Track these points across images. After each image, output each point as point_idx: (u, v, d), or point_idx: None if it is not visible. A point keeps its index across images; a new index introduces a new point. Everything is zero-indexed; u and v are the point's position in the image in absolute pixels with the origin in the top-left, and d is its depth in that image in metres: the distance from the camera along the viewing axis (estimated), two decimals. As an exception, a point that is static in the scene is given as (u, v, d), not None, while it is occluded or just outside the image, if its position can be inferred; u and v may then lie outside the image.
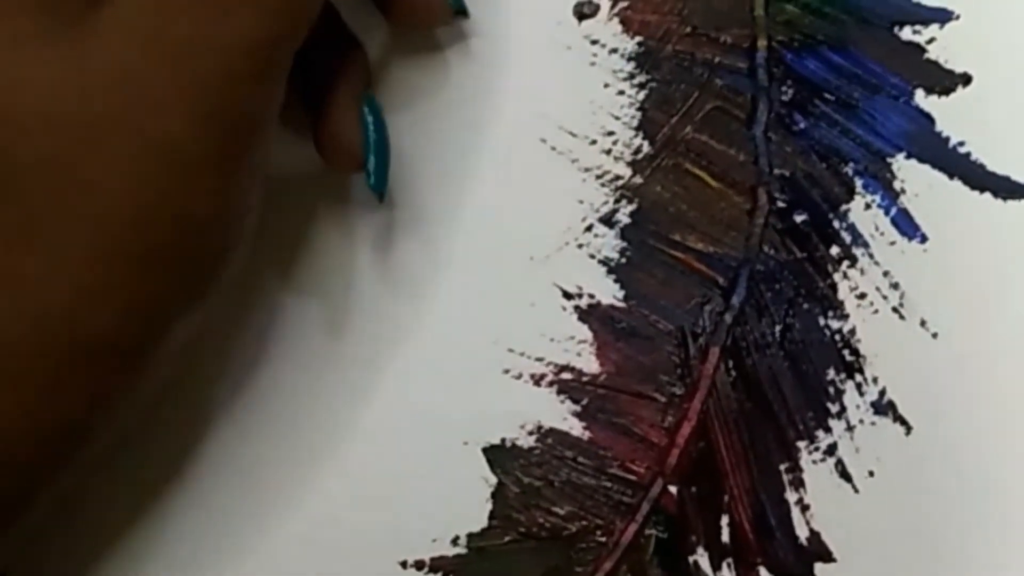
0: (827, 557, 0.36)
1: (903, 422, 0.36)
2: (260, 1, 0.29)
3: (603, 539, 0.37)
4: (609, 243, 0.37)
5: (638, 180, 0.37)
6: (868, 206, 0.37)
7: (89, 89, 0.29)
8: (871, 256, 0.37)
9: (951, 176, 0.37)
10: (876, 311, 0.37)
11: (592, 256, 0.37)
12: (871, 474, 0.36)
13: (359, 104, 0.34)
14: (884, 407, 0.37)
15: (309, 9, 0.31)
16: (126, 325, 0.29)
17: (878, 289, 0.37)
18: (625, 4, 0.38)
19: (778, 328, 0.37)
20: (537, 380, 0.37)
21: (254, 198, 0.32)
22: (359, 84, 0.35)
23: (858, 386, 0.37)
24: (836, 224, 0.37)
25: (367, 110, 0.34)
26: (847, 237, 0.37)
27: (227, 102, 0.29)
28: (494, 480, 0.37)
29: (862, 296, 0.37)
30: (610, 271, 0.37)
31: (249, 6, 0.29)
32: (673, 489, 0.37)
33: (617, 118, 0.37)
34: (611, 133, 0.37)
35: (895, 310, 0.37)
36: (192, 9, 0.29)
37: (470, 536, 0.37)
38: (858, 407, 0.37)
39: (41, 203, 0.28)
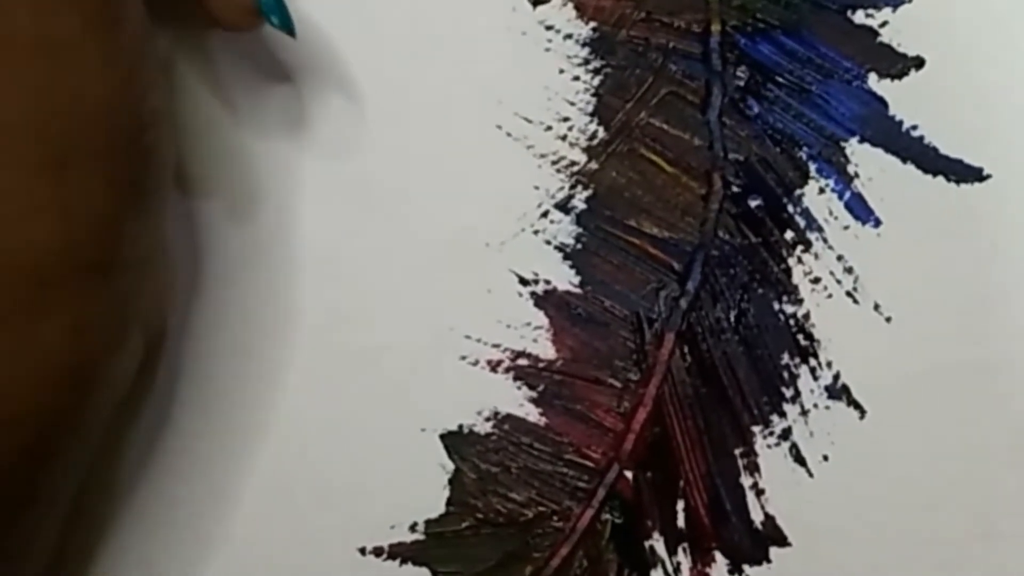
0: (782, 541, 0.36)
1: (857, 406, 0.36)
2: None
3: (560, 524, 0.37)
4: (565, 229, 0.37)
5: (593, 166, 0.37)
6: (822, 190, 0.37)
7: None
8: (825, 240, 0.37)
9: (904, 160, 0.37)
10: (830, 295, 0.37)
11: (548, 242, 0.37)
12: (825, 458, 0.36)
13: None
14: (838, 391, 0.36)
15: None
16: (76, 237, 0.29)
17: (832, 273, 0.37)
18: (579, -11, 0.37)
19: (733, 313, 0.37)
20: (494, 366, 0.37)
21: (149, 73, 0.30)
22: None
23: (812, 370, 0.37)
24: (790, 209, 0.37)
25: None
26: (801, 222, 0.37)
27: None
28: (451, 466, 0.37)
29: (816, 280, 0.37)
30: (566, 257, 0.37)
31: None
32: (629, 474, 0.37)
33: (572, 104, 0.37)
34: (566, 119, 0.37)
35: (849, 294, 0.37)
36: None
37: (428, 522, 0.37)
38: (812, 391, 0.36)
39: None
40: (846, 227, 0.37)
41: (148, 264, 0.31)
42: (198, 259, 0.36)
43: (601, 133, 0.37)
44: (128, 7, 0.30)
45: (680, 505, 0.36)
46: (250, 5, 0.33)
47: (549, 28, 0.37)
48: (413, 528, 0.36)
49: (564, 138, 0.37)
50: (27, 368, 0.29)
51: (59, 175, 0.28)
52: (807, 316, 0.37)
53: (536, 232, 0.37)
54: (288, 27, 0.34)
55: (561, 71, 0.37)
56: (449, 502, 0.37)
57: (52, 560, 0.33)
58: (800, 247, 0.37)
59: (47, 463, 0.30)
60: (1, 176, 0.28)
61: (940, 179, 0.37)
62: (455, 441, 0.37)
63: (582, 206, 0.37)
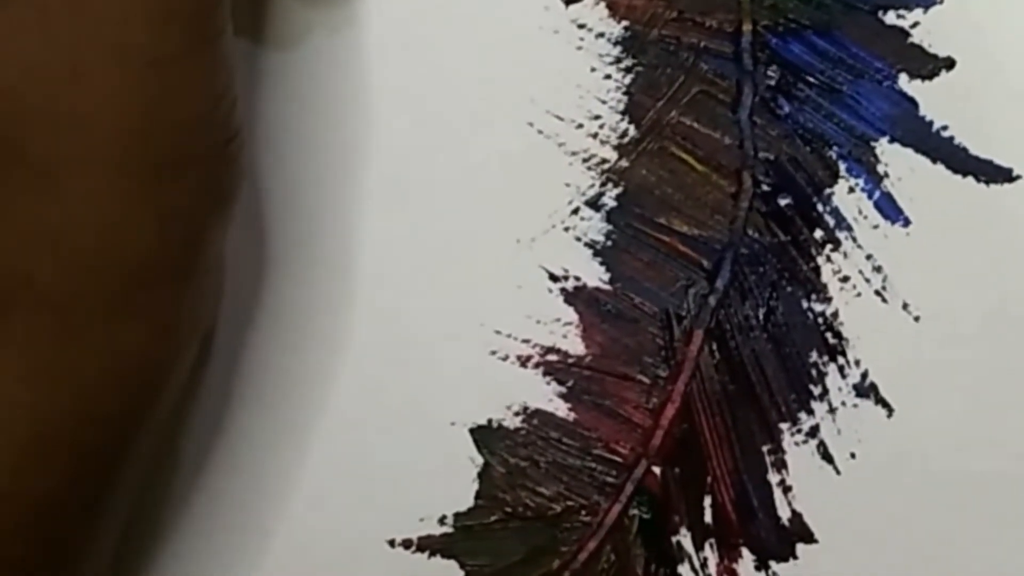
0: (809, 538, 0.36)
1: (885, 404, 0.36)
2: None
3: (587, 519, 0.36)
4: (595, 226, 0.37)
5: (624, 164, 0.37)
6: (852, 190, 0.36)
7: (50, 24, 0.28)
8: (854, 239, 0.36)
9: (934, 160, 0.36)
10: (859, 294, 0.36)
11: (578, 239, 0.37)
12: (853, 456, 0.36)
13: None
14: (866, 390, 0.36)
15: None
16: (166, 240, 0.29)
17: (861, 272, 0.36)
18: (612, -12, 0.37)
19: (762, 311, 0.36)
20: (523, 362, 0.37)
21: (235, 86, 0.31)
22: None
23: (840, 368, 0.36)
24: (820, 208, 0.36)
25: None
26: (831, 220, 0.36)
27: (185, 4, 0.29)
28: (481, 460, 0.36)
29: (845, 279, 0.36)
30: (596, 254, 0.37)
31: None
32: (657, 470, 0.36)
33: (604, 102, 0.37)
34: (598, 117, 0.37)
35: (878, 293, 0.36)
36: None
37: (457, 515, 0.36)
38: (840, 389, 0.36)
39: (44, 152, 0.28)
40: (875, 226, 0.36)
41: (218, 267, 0.32)
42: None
43: (632, 131, 0.37)
44: (224, 22, 0.30)
45: (707, 501, 0.36)
46: None
47: (581, 27, 0.37)
48: (442, 521, 0.36)
49: (595, 136, 0.37)
50: (114, 367, 0.30)
51: (158, 183, 0.29)
52: (836, 314, 0.36)
53: (567, 229, 0.37)
54: None
55: (593, 69, 0.37)
56: (478, 495, 0.36)
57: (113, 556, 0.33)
58: (829, 246, 0.36)
59: (124, 459, 0.31)
60: (105, 182, 0.29)
61: (970, 179, 0.36)
62: (484, 435, 0.36)
63: (612, 203, 0.37)
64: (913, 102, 0.36)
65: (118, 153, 0.29)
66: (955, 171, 0.36)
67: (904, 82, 0.36)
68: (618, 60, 0.37)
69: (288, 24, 0.36)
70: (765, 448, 0.36)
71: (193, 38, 0.29)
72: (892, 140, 0.36)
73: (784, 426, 0.36)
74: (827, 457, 0.36)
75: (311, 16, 0.36)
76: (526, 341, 0.36)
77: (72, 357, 0.29)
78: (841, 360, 0.36)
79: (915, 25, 0.36)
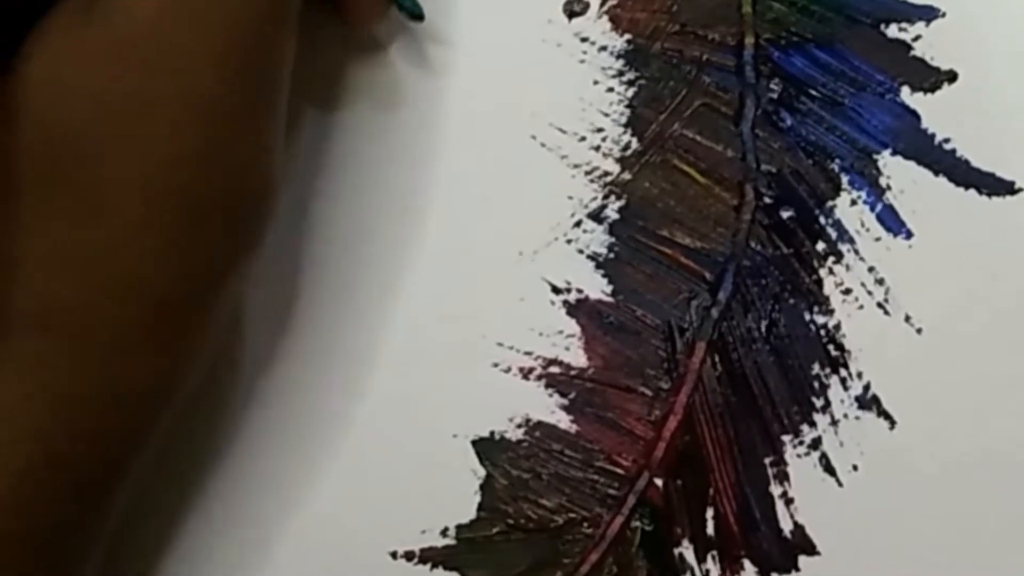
0: (811, 550, 0.36)
1: (887, 417, 0.36)
2: None
3: (590, 531, 0.36)
4: (598, 239, 0.37)
5: (627, 176, 0.37)
6: (854, 202, 0.36)
7: (125, 59, 0.29)
8: (856, 252, 0.36)
9: (936, 172, 0.36)
10: (861, 306, 0.36)
11: (581, 251, 0.37)
12: (855, 468, 0.36)
13: None
14: (868, 402, 0.36)
15: None
16: (188, 280, 0.30)
17: (863, 285, 0.36)
18: (614, 2, 0.37)
19: (764, 323, 0.36)
20: (526, 374, 0.36)
21: (281, 141, 0.31)
22: None
23: (843, 381, 0.36)
24: (822, 220, 0.36)
25: None
26: (833, 233, 0.36)
27: (252, 52, 0.30)
28: (483, 472, 0.36)
29: (847, 291, 0.36)
30: (598, 266, 0.37)
31: None
32: (659, 482, 0.36)
33: (606, 115, 0.37)
34: (600, 130, 0.37)
35: (880, 305, 0.36)
36: None
37: (459, 527, 0.36)
38: (842, 401, 0.36)
39: (94, 178, 0.29)
40: (878, 239, 0.36)
41: (236, 308, 0.33)
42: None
43: (635, 144, 0.37)
44: (284, 81, 0.31)
45: (710, 513, 0.36)
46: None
47: (584, 40, 0.37)
48: (444, 533, 0.36)
49: (598, 149, 0.37)
50: (119, 393, 0.30)
51: (194, 224, 0.30)
52: (838, 327, 0.36)
53: (569, 241, 0.36)
54: (418, 12, 0.35)
55: (596, 83, 0.37)
56: (480, 508, 0.36)
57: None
58: (831, 258, 0.36)
59: (122, 476, 0.31)
60: (144, 216, 0.29)
61: (971, 192, 0.36)
62: (487, 447, 0.36)
63: (615, 216, 0.36)
64: (915, 115, 0.36)
65: (163, 190, 0.29)
66: (957, 183, 0.36)
67: (906, 95, 0.36)
68: (621, 73, 0.37)
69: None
70: (767, 460, 0.36)
71: (255, 91, 0.30)
72: (894, 153, 0.36)
73: (786, 438, 0.36)
74: (829, 469, 0.36)
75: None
76: (528, 353, 0.36)
77: (81, 381, 0.29)
78: (843, 372, 0.36)
79: (917, 38, 0.36)
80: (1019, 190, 0.36)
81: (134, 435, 0.31)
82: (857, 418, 0.36)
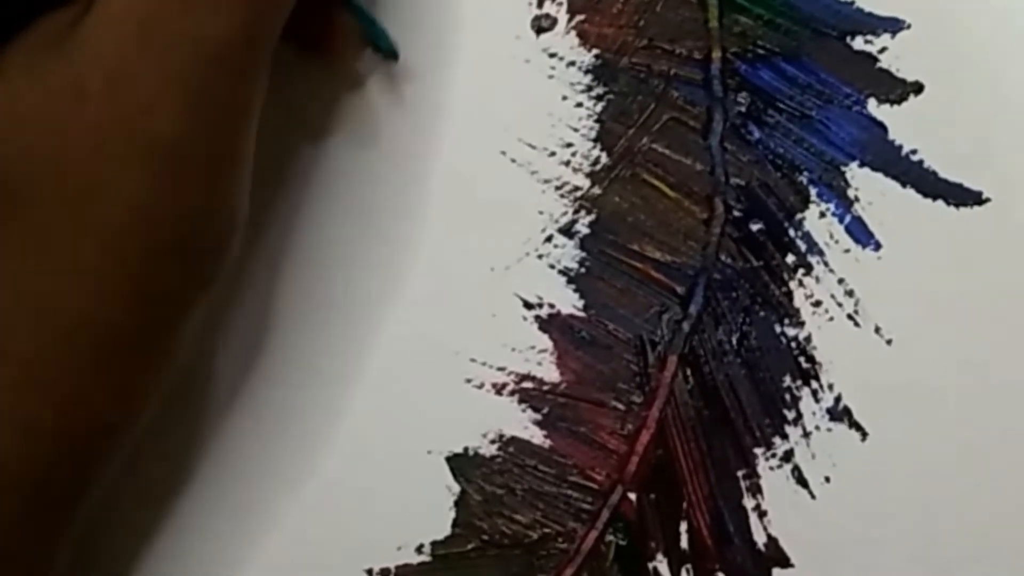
0: (784, 563, 0.36)
1: (858, 428, 0.36)
2: None
3: (564, 546, 0.36)
4: (568, 253, 0.36)
5: (596, 191, 0.36)
6: (823, 214, 0.36)
7: (84, 96, 0.28)
8: (826, 264, 0.36)
9: (904, 184, 0.36)
10: (831, 318, 0.36)
11: (552, 266, 0.36)
12: (827, 480, 0.36)
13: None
14: (840, 413, 0.36)
15: (288, 2, 0.30)
16: (140, 320, 0.29)
17: (833, 297, 0.36)
18: (582, 17, 0.37)
19: (735, 336, 0.36)
20: (499, 389, 0.36)
21: (247, 184, 0.31)
22: None
23: (814, 393, 0.36)
24: (791, 233, 0.36)
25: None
26: (802, 245, 0.36)
27: (214, 94, 0.29)
28: (457, 488, 0.36)
29: (817, 304, 0.36)
30: (570, 281, 0.36)
31: (234, 2, 0.29)
32: (632, 496, 0.36)
33: (575, 130, 0.37)
34: (569, 145, 0.37)
35: (850, 317, 0.36)
36: (173, 6, 0.28)
37: (434, 544, 0.36)
38: (814, 414, 0.36)
39: (48, 214, 0.28)
40: (847, 251, 0.36)
41: (190, 344, 0.32)
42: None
43: (604, 159, 0.36)
44: (251, 123, 0.30)
45: (683, 527, 0.36)
46: (357, 32, 0.34)
47: (552, 56, 0.37)
48: (419, 550, 0.36)
49: (568, 163, 0.37)
50: (68, 425, 0.30)
51: (149, 266, 0.29)
52: (808, 339, 0.36)
53: (540, 256, 0.36)
54: (393, 52, 0.35)
55: (564, 98, 0.37)
56: (455, 524, 0.36)
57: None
58: (801, 270, 0.36)
59: (76, 504, 0.31)
60: (97, 258, 0.29)
61: (940, 203, 0.36)
62: (461, 463, 0.36)
63: (585, 231, 0.36)
64: (882, 127, 0.36)
65: (117, 233, 0.29)
66: (925, 195, 0.36)
67: (873, 107, 0.36)
68: (589, 88, 0.36)
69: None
70: (740, 473, 0.36)
71: (219, 136, 0.29)
72: (862, 165, 0.36)
73: (759, 451, 0.36)
74: (802, 481, 0.36)
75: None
76: (501, 369, 0.36)
77: (29, 408, 0.29)
78: (814, 384, 0.36)
79: (883, 50, 0.36)
80: (987, 200, 0.36)
81: (87, 468, 0.30)
82: (829, 430, 0.36)
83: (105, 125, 0.28)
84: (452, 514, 0.36)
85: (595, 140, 0.36)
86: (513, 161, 0.36)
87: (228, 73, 0.29)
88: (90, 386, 0.29)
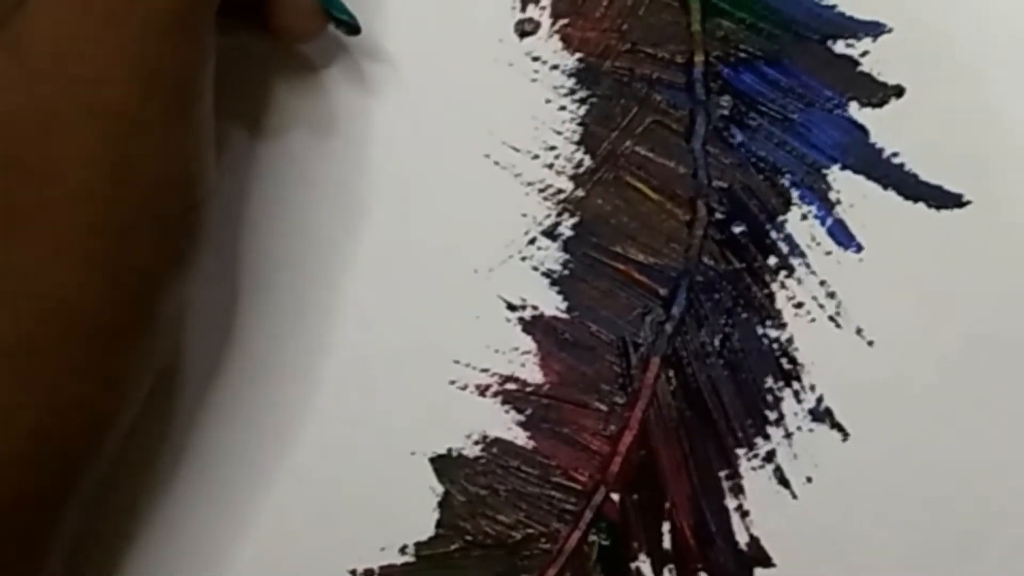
0: (766, 562, 0.36)
1: (840, 429, 0.36)
2: None
3: (547, 546, 0.36)
4: (552, 256, 0.37)
5: (580, 193, 0.37)
6: (804, 217, 0.36)
7: (33, 77, 0.28)
8: (808, 266, 0.36)
9: (885, 186, 0.36)
10: (813, 320, 0.36)
11: (535, 268, 0.37)
12: (809, 480, 0.36)
13: None
14: (821, 414, 0.36)
15: None
16: (117, 299, 0.29)
17: (815, 298, 0.36)
18: (565, 21, 0.37)
19: (717, 338, 0.36)
20: (482, 391, 0.36)
21: (209, 153, 0.31)
22: None
23: (796, 394, 0.36)
24: (773, 235, 0.36)
25: None
26: (784, 247, 0.36)
27: (160, 62, 0.29)
28: (441, 489, 0.36)
29: (799, 305, 0.36)
30: (553, 283, 0.37)
31: None
32: (615, 497, 0.36)
33: (559, 133, 0.37)
34: (553, 148, 0.37)
35: (832, 319, 0.36)
36: None
37: (418, 545, 0.36)
38: (796, 414, 0.36)
39: (14, 199, 0.28)
40: (828, 253, 0.36)
41: (172, 326, 0.32)
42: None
43: (587, 161, 0.37)
44: (204, 90, 0.30)
45: (666, 527, 0.36)
46: (317, 7, 0.33)
47: (536, 59, 0.37)
48: (403, 550, 0.36)
49: (551, 166, 0.37)
50: (56, 414, 0.29)
51: (118, 243, 0.29)
52: (790, 340, 0.36)
53: (524, 259, 0.37)
54: (355, 24, 0.34)
55: (548, 101, 0.37)
56: (439, 524, 0.36)
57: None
58: (783, 272, 0.36)
59: (66, 500, 0.31)
60: (67, 238, 0.29)
61: (920, 205, 0.36)
62: (444, 464, 0.36)
63: (569, 233, 0.37)
64: (863, 130, 0.36)
65: (83, 210, 0.29)
66: (906, 197, 0.36)
67: (854, 110, 0.36)
68: (572, 92, 0.37)
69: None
70: (722, 474, 0.36)
71: (170, 103, 0.29)
72: (844, 167, 0.36)
73: (741, 451, 0.36)
74: (784, 482, 0.36)
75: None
76: (485, 370, 0.36)
77: (16, 400, 0.29)
78: (796, 385, 0.36)
79: (864, 54, 0.36)
80: (967, 203, 0.36)
81: (74, 459, 0.30)
82: (810, 430, 0.36)
83: (56, 102, 0.28)
84: (436, 515, 0.36)
85: (578, 143, 0.36)
86: (497, 164, 0.36)
87: (172, 41, 0.29)
88: (77, 372, 0.29)
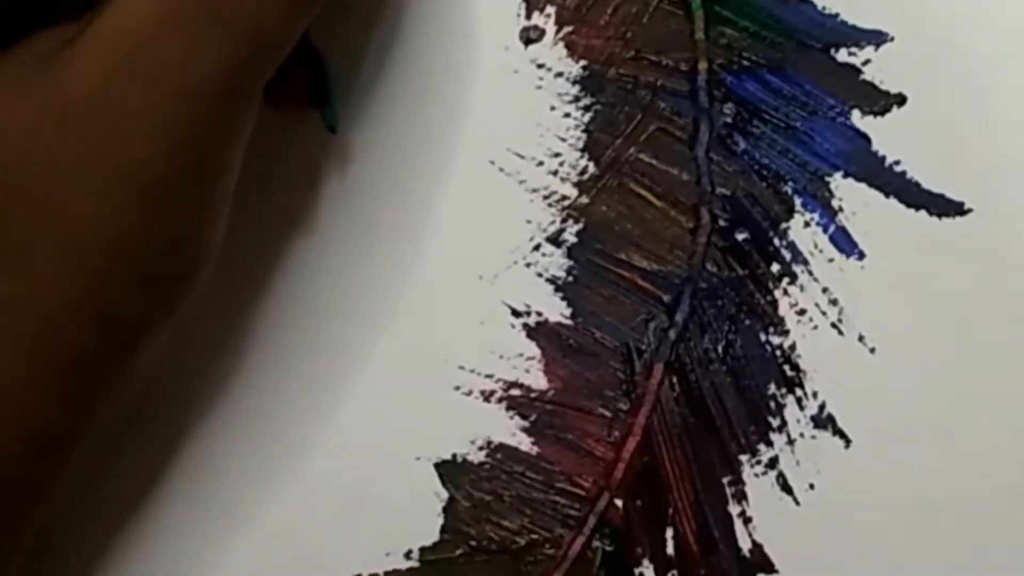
0: (769, 569, 0.36)
1: (842, 435, 0.36)
2: (232, 33, 0.28)
3: (551, 552, 0.36)
4: (556, 262, 0.37)
5: (584, 200, 0.37)
6: (807, 224, 0.36)
7: (66, 118, 0.28)
8: (810, 273, 0.36)
9: (887, 194, 0.36)
10: (815, 327, 0.36)
11: (540, 275, 0.37)
12: (811, 487, 0.36)
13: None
14: (824, 421, 0.36)
15: (281, 40, 0.30)
16: (100, 340, 0.29)
17: (817, 305, 0.36)
18: (570, 29, 0.37)
19: (720, 344, 0.36)
20: (487, 396, 0.36)
21: (222, 219, 0.31)
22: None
23: (798, 400, 0.36)
24: (776, 242, 0.36)
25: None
26: (787, 254, 0.36)
27: (195, 128, 0.29)
28: (445, 495, 0.36)
29: (802, 312, 0.36)
30: (557, 289, 0.37)
31: (221, 37, 0.28)
32: (619, 503, 0.36)
33: (563, 140, 0.37)
34: (558, 154, 0.37)
35: (834, 326, 0.36)
36: (163, 38, 0.28)
37: (422, 550, 0.36)
38: (798, 421, 0.36)
39: (17, 226, 0.28)
40: (831, 260, 0.36)
41: (154, 365, 0.32)
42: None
43: (591, 168, 0.37)
44: (233, 161, 0.30)
45: (669, 533, 0.36)
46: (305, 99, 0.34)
47: (540, 66, 0.37)
48: (408, 555, 0.36)
49: (555, 173, 0.37)
50: (22, 437, 0.29)
51: (113, 290, 0.29)
52: (793, 347, 0.36)
53: (528, 265, 0.37)
54: (333, 126, 0.35)
55: (552, 108, 0.37)
56: (443, 529, 0.36)
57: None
58: (786, 279, 0.36)
59: (28, 521, 0.31)
60: (63, 277, 0.28)
61: (922, 213, 0.36)
62: (449, 470, 0.36)
63: (573, 240, 0.37)
64: (866, 138, 0.36)
65: (83, 254, 0.28)
66: (908, 205, 0.36)
67: (857, 118, 0.36)
68: (577, 99, 0.37)
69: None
70: (725, 480, 0.36)
71: (197, 171, 0.29)
72: (846, 175, 0.36)
73: (744, 458, 0.36)
74: (786, 488, 0.36)
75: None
76: (489, 376, 0.36)
77: None
78: (799, 392, 0.36)
79: (867, 62, 0.36)
80: (968, 211, 0.36)
81: (40, 481, 0.30)
82: (813, 437, 0.36)
83: (84, 148, 0.28)
84: (440, 520, 0.36)
85: (583, 150, 0.37)
86: (501, 170, 0.37)
87: (211, 109, 0.29)
88: (44, 399, 0.29)
